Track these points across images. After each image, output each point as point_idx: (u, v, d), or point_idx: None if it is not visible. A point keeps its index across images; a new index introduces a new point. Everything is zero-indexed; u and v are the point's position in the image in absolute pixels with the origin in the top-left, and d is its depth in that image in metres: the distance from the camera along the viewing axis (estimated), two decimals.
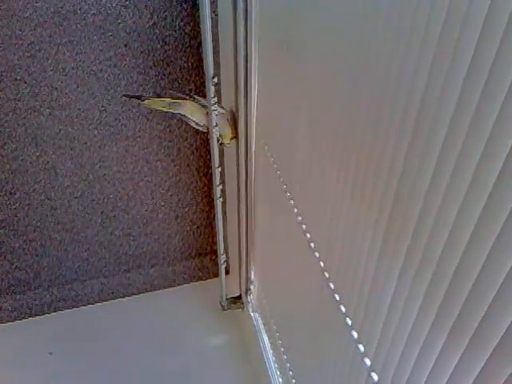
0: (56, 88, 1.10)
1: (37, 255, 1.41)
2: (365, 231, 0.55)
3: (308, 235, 0.75)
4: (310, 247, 0.73)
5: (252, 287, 1.29)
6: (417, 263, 0.45)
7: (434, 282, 0.42)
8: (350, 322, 0.61)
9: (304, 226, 0.76)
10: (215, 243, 1.57)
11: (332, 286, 0.66)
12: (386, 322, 0.51)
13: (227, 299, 1.37)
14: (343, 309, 0.63)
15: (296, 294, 0.90)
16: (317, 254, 0.71)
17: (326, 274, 0.67)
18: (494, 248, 0.33)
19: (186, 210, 1.46)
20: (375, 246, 0.53)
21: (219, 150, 1.13)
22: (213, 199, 1.45)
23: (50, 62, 1.06)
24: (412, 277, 0.46)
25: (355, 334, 0.60)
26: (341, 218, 0.62)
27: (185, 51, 1.12)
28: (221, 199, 1.22)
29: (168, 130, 1.26)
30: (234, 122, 1.06)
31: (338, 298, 0.64)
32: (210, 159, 1.35)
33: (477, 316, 0.35)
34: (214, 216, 1.38)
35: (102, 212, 1.37)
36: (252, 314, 1.28)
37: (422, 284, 0.44)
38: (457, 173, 0.37)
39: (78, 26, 1.03)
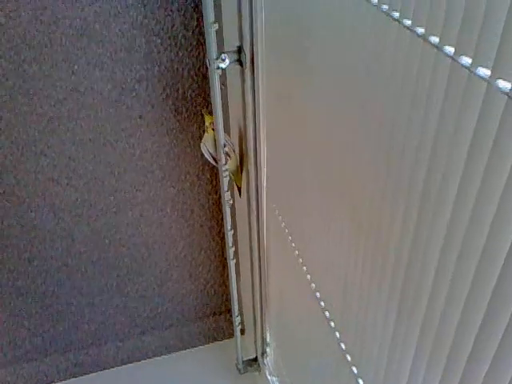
0: (73, 159, 1.15)
1: (53, 320, 1.41)
2: (378, 304, 0.55)
3: (322, 303, 0.75)
4: (325, 316, 0.74)
5: (268, 349, 1.27)
6: (430, 343, 0.45)
7: (447, 367, 0.42)
8: None
9: (318, 294, 0.76)
10: (229, 302, 1.56)
11: (349, 358, 0.66)
12: None
13: (243, 362, 1.35)
14: (361, 383, 0.62)
15: (312, 361, 0.89)
16: (332, 324, 0.71)
17: (343, 346, 0.67)
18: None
19: (200, 269, 1.47)
20: (389, 321, 0.53)
21: (231, 213, 1.15)
22: (226, 258, 1.46)
23: (68, 135, 1.11)
24: (428, 353, 0.46)
25: None
26: (354, 286, 0.62)
27: (196, 120, 1.17)
28: (234, 260, 1.23)
29: (181, 193, 1.29)
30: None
31: (355, 371, 0.64)
32: (222, 219, 1.37)
33: None
34: (228, 275, 1.39)
35: (117, 275, 1.39)
36: (269, 377, 1.26)
37: (437, 366, 0.44)
38: (465, 251, 0.37)
39: (95, 100, 1.09)
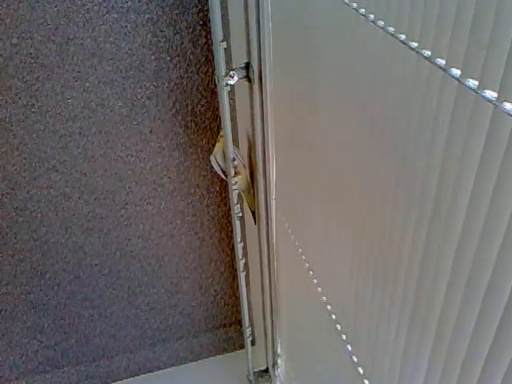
0: (85, 174, 1.17)
1: (65, 333, 1.43)
2: (390, 316, 0.56)
3: (333, 316, 0.76)
4: (336, 328, 0.74)
5: (279, 361, 1.28)
6: (443, 355, 0.45)
7: (461, 379, 0.42)
8: None
9: (329, 307, 0.77)
10: (239, 312, 1.57)
11: (361, 370, 0.66)
12: None
13: (254, 373, 1.35)
14: None
15: (324, 373, 0.89)
16: (344, 337, 0.71)
17: (355, 359, 0.68)
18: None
19: (210, 281, 1.48)
20: (401, 334, 0.54)
21: (241, 225, 1.16)
22: (235, 269, 1.47)
23: (79, 151, 1.13)
24: (441, 364, 0.46)
25: None
26: (366, 299, 0.63)
27: (205, 134, 1.18)
28: (244, 272, 1.23)
29: (191, 205, 1.30)
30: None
31: (367, 383, 0.64)
32: (231, 231, 1.38)
33: None
34: (238, 286, 1.39)
35: (128, 288, 1.40)
36: None
37: (451, 378, 0.45)
38: (477, 262, 0.38)
39: (106, 117, 1.11)
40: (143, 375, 1.57)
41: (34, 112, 1.06)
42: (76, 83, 1.04)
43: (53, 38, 0.99)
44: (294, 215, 0.91)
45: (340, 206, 0.66)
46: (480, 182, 0.35)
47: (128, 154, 1.16)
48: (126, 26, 1.00)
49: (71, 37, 0.99)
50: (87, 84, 1.05)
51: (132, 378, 1.56)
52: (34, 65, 1.01)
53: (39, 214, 1.20)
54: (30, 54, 1.00)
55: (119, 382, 1.56)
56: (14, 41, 0.98)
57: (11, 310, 1.33)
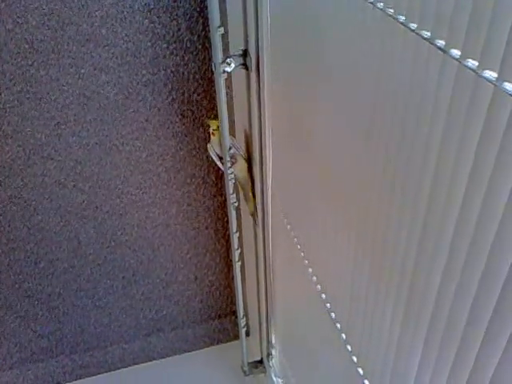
0: (80, 162, 1.16)
1: (59, 322, 1.42)
2: (385, 305, 0.56)
3: (328, 305, 0.75)
4: (331, 317, 0.74)
5: (273, 351, 1.28)
6: (437, 344, 0.45)
7: (454, 368, 0.42)
8: None
9: (324, 296, 0.77)
10: (234, 303, 1.57)
11: (355, 359, 0.66)
12: None
13: (249, 363, 1.35)
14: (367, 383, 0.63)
15: (318, 362, 0.90)
16: (338, 326, 0.71)
17: (349, 347, 0.68)
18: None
19: (205, 271, 1.48)
20: (396, 322, 0.54)
21: (237, 215, 1.16)
22: (231, 260, 1.47)
23: (74, 138, 1.12)
24: (435, 353, 0.46)
25: None
26: (360, 288, 0.63)
27: (201, 123, 1.17)
28: (239, 263, 1.23)
29: (186, 195, 1.30)
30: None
31: (361, 372, 0.64)
32: (227, 221, 1.38)
33: None
34: (233, 277, 1.39)
35: (123, 277, 1.40)
36: (275, 379, 1.26)
37: (444, 366, 0.44)
38: (471, 255, 0.38)
39: (102, 104, 1.10)
40: (137, 365, 1.57)
41: (28, 98, 1.05)
42: (71, 69, 1.03)
43: (48, 23, 0.98)
44: (291, 205, 0.91)
45: (336, 196, 0.66)
46: (479, 162, 0.35)
47: (123, 143, 1.16)
48: (123, 12, 0.99)
49: (66, 22, 0.98)
50: (82, 70, 1.04)
51: (126, 368, 1.56)
52: (29, 50, 1.00)
53: (33, 202, 1.19)
54: (25, 39, 0.98)
55: (113, 372, 1.55)
56: (9, 26, 0.97)
57: (5, 298, 1.33)
